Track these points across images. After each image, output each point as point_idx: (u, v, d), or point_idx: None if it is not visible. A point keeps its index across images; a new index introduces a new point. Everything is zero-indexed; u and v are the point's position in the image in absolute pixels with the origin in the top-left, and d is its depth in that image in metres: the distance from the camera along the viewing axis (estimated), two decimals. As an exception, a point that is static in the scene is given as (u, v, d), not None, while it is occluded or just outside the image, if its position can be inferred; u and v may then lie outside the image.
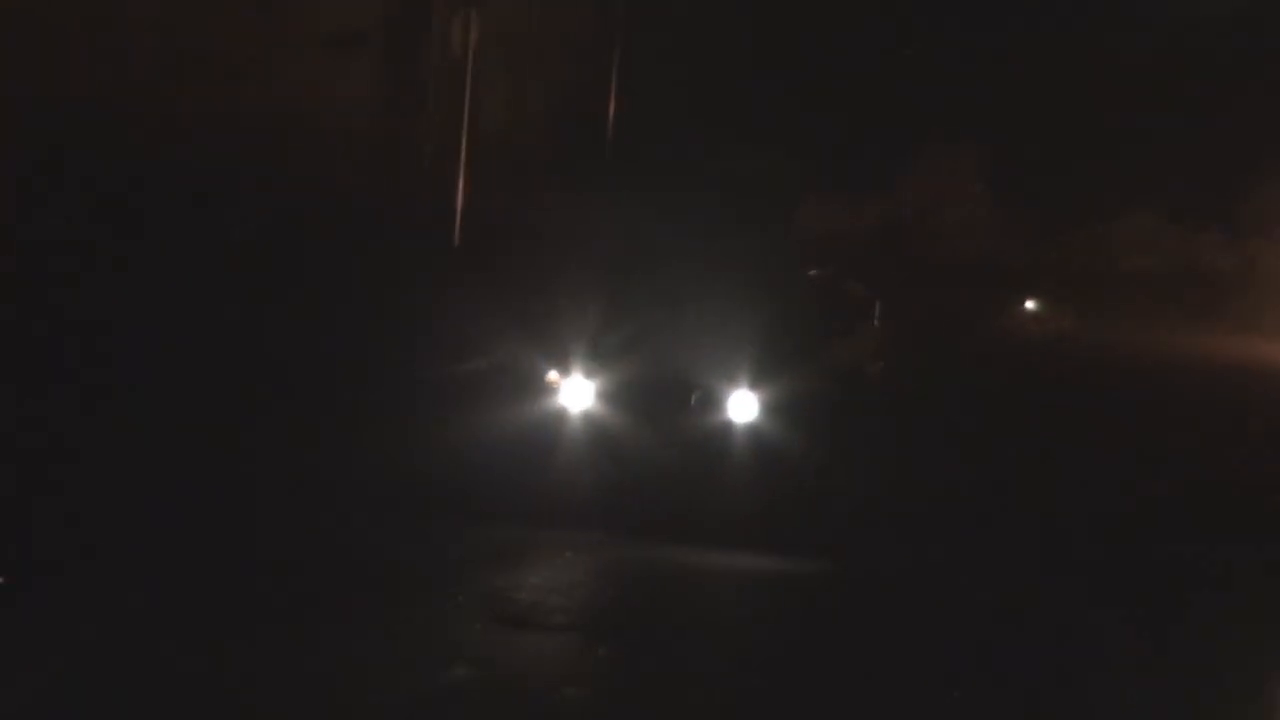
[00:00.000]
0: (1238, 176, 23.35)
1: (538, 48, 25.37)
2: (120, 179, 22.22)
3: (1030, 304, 23.73)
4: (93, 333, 19.08)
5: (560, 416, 17.67)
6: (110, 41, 24.09)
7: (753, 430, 17.75)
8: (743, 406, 17.85)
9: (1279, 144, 22.01)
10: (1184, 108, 22.95)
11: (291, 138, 24.06)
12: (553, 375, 17.68)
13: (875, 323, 18.94)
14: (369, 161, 24.48)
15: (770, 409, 17.76)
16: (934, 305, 21.17)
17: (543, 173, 24.37)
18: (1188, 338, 22.67)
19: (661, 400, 17.60)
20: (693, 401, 17.73)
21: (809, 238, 22.76)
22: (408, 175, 24.65)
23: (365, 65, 25.09)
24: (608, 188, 21.63)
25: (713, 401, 17.82)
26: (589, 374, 17.74)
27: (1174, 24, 23.48)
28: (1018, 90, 23.43)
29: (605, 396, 17.72)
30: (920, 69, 23.73)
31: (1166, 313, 22.82)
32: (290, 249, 21.74)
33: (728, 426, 17.79)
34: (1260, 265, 22.83)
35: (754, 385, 17.82)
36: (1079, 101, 23.34)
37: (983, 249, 23.67)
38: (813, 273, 19.44)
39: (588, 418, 17.70)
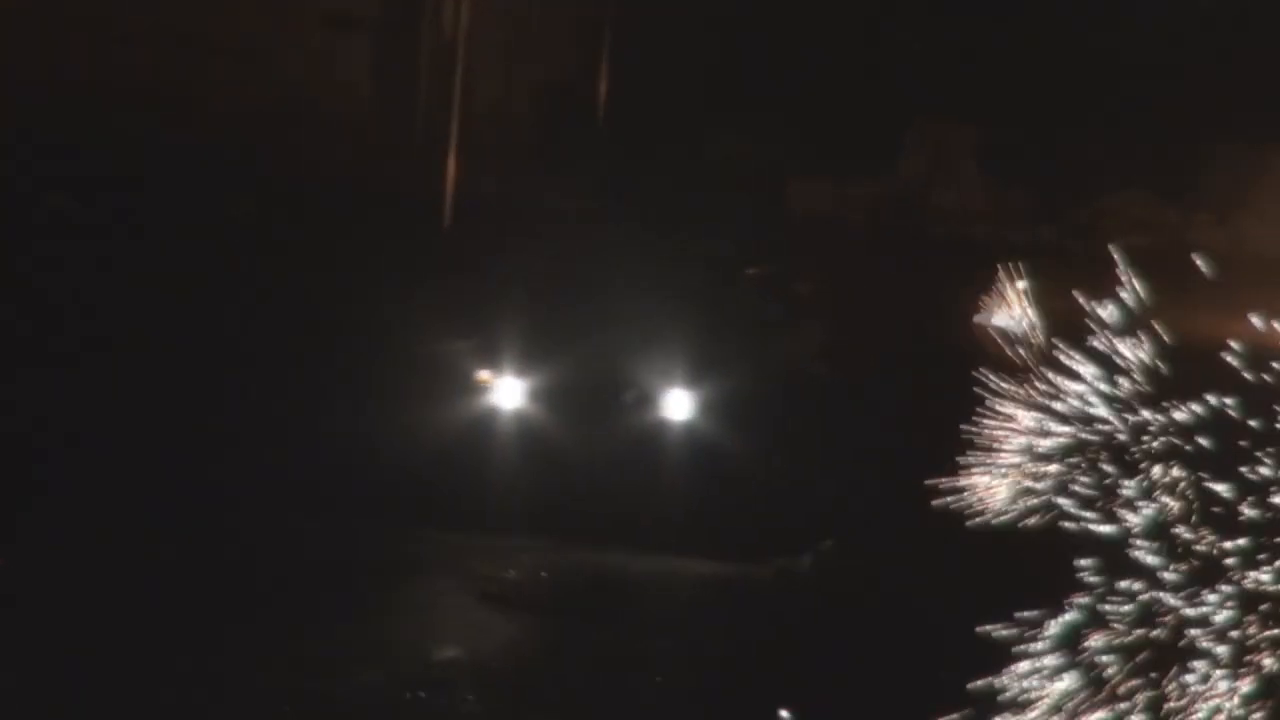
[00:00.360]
0: (1231, 155, 22.96)
1: (530, 29, 25.23)
2: (110, 159, 22.34)
3: (1021, 283, 23.33)
4: (66, 317, 19.20)
5: (492, 416, 17.51)
6: (101, 23, 24.21)
7: (688, 429, 17.57)
8: (678, 405, 17.67)
9: (1274, 122, 21.60)
10: (1177, 85, 22.53)
11: (282, 118, 24.08)
12: (484, 373, 17.52)
13: (819, 319, 18.70)
14: (359, 144, 24.45)
15: (706, 408, 17.56)
16: (907, 292, 20.81)
17: (529, 157, 24.25)
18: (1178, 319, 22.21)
19: (595, 399, 17.44)
20: (627, 400, 17.56)
21: (796, 221, 22.49)
22: (398, 157, 24.61)
23: (357, 46, 25.05)
24: (561, 178, 21.47)
25: (647, 400, 17.64)
26: (521, 372, 17.57)
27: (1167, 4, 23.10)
28: (1009, 68, 23.07)
29: (538, 395, 17.56)
30: (910, 49, 23.41)
31: (1159, 291, 22.30)
32: (267, 232, 21.75)
33: (662, 425, 17.62)
34: (1250, 245, 22.42)
35: (689, 384, 17.63)
36: (1071, 79, 22.96)
37: (974, 229, 23.33)
38: (752, 270, 19.21)
39: (519, 417, 17.54)
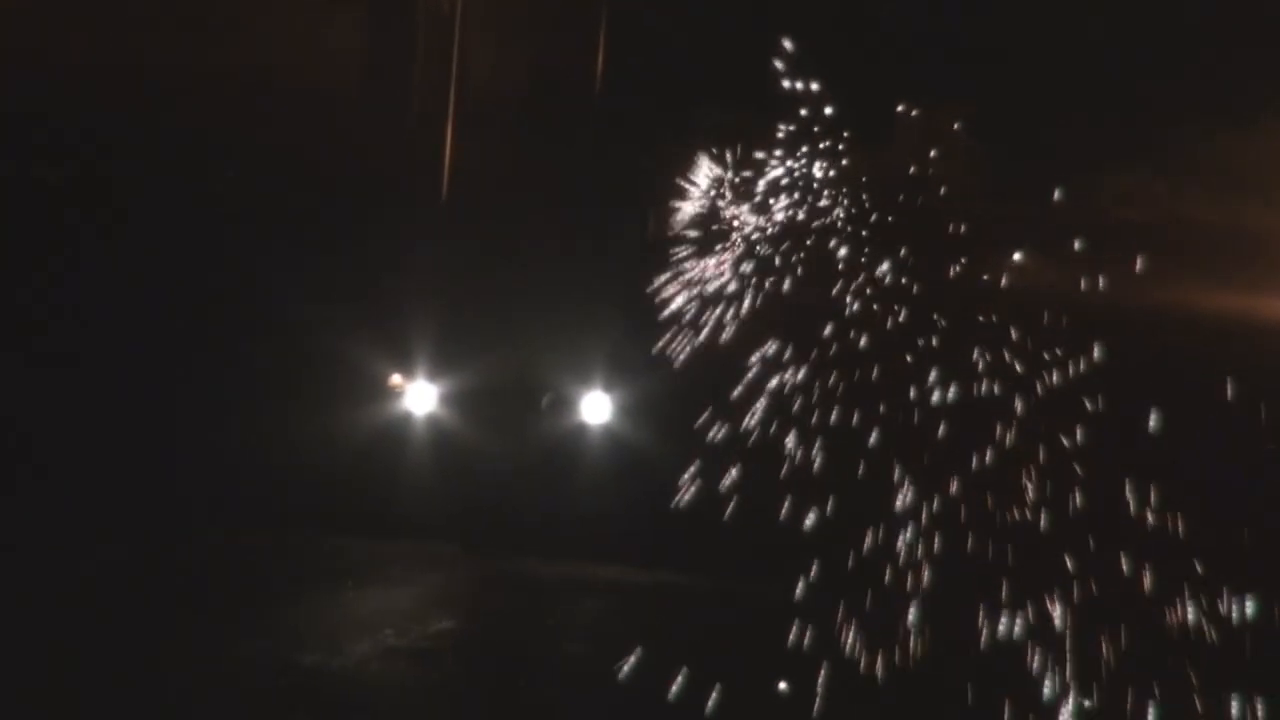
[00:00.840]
0: (1225, 129, 22.39)
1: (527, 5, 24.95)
2: (98, 135, 22.34)
3: (1017, 256, 22.97)
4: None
5: (405, 421, 17.21)
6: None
7: (608, 432, 17.23)
8: (596, 408, 17.33)
9: (1265, 95, 21.06)
10: (1170, 59, 22.02)
11: (274, 93, 23.97)
12: (396, 378, 17.24)
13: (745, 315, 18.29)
14: (352, 121, 24.29)
15: (625, 411, 17.21)
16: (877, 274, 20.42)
17: (521, 137, 23.99)
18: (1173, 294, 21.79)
19: (511, 403, 17.14)
20: (544, 404, 17.25)
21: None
22: (393, 135, 24.44)
23: (350, 21, 24.89)
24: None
25: (565, 404, 17.31)
26: (433, 376, 17.27)
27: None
28: (1002, 41, 22.64)
29: (451, 400, 17.26)
30: (901, 23, 23.01)
31: (1153, 266, 21.80)
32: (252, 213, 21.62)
33: (581, 429, 17.28)
34: (1246, 220, 21.89)
35: (608, 387, 17.28)
36: (1064, 51, 22.48)
37: (968, 203, 22.96)
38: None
39: (433, 422, 17.24)
